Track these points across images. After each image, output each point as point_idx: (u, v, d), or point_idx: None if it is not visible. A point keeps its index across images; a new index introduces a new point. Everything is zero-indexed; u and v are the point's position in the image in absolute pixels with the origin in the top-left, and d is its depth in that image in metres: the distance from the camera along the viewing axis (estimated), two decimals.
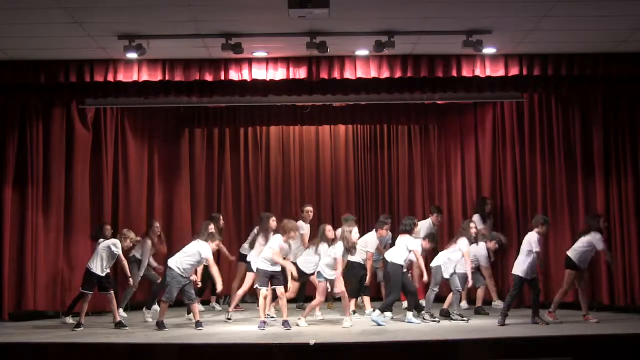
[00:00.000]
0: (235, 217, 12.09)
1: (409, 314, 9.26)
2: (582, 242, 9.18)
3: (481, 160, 11.32)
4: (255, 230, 10.12)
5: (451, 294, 9.49)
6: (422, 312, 9.36)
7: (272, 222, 9.86)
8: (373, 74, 8.98)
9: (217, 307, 10.88)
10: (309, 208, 10.92)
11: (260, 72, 9.03)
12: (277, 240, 9.10)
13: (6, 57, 8.81)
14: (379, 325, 8.92)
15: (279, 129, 12.41)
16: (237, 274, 10.64)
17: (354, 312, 9.68)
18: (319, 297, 9.16)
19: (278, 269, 9.01)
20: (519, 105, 10.75)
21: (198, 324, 8.91)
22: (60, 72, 8.95)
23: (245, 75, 9.03)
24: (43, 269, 9.81)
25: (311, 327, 9.05)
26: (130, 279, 9.49)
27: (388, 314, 9.41)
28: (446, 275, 9.40)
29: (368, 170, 12.49)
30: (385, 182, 12.36)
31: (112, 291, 9.25)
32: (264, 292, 9.01)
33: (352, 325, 8.92)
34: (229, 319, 9.59)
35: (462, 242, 9.46)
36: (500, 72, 9.05)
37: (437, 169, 12.00)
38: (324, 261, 9.15)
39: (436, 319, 9.25)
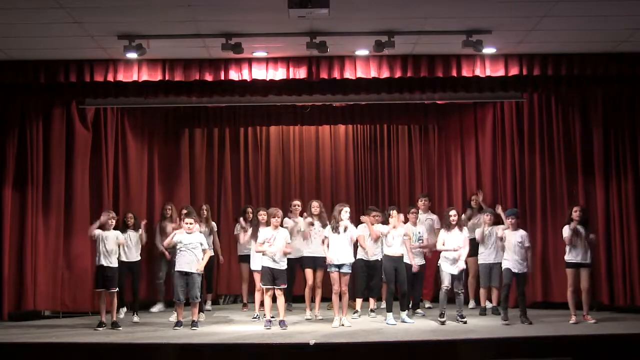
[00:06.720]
0: (235, 217, 12.05)
1: (403, 314, 9.24)
2: None
3: (481, 160, 11.32)
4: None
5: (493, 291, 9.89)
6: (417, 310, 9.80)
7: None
8: (373, 74, 8.98)
9: (208, 307, 10.81)
10: (297, 202, 10.58)
11: (260, 72, 9.02)
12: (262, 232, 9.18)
13: (6, 57, 8.81)
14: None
15: (279, 129, 12.40)
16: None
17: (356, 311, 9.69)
18: (335, 288, 9.05)
19: (282, 267, 8.98)
20: (519, 105, 10.74)
21: (193, 324, 8.92)
22: (60, 72, 8.94)
23: (245, 75, 9.02)
24: (43, 269, 9.80)
25: (311, 327, 9.05)
26: None
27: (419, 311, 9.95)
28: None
29: (368, 170, 12.45)
30: (385, 182, 12.34)
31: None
32: (269, 290, 8.96)
33: (350, 325, 8.92)
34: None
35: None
36: (500, 72, 9.05)
37: (437, 169, 12.00)
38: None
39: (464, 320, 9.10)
